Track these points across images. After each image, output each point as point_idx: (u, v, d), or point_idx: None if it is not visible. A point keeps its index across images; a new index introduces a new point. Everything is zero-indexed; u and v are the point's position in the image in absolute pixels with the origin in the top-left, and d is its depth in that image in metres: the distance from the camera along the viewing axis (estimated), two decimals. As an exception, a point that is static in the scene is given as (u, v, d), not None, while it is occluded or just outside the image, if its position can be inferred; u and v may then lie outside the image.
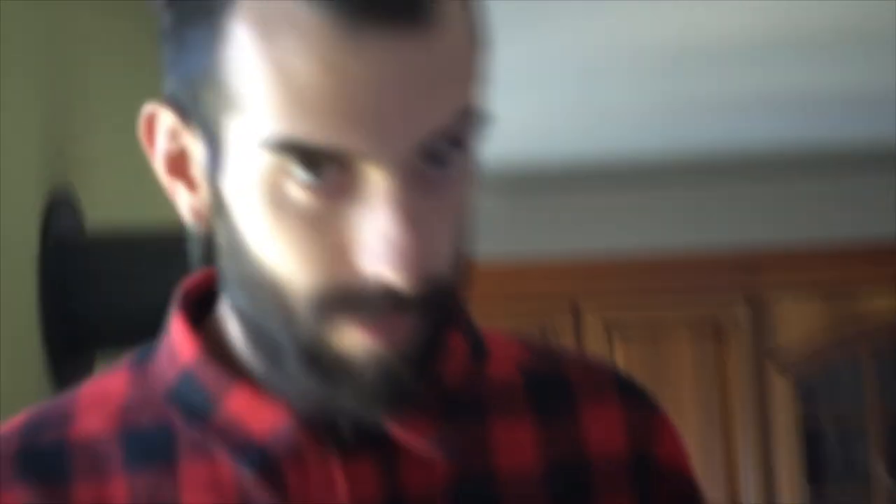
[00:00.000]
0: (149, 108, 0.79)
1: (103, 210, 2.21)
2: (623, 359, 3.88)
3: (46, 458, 0.82)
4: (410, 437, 0.79)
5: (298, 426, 0.79)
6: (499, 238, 4.31)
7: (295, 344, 0.75)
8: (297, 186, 0.72)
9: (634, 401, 0.88)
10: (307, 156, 0.71)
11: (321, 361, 0.74)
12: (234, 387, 0.80)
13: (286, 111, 0.70)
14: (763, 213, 4.20)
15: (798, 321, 3.84)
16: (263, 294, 0.75)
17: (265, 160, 0.72)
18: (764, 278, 3.86)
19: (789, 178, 4.20)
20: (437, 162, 0.73)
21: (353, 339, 0.74)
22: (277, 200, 0.72)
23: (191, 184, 0.78)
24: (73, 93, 2.16)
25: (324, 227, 0.73)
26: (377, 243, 0.71)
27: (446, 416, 0.82)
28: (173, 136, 0.78)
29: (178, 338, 0.83)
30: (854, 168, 4.15)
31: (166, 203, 2.65)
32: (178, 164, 0.79)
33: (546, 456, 0.84)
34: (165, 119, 0.78)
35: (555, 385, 0.87)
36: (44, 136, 1.99)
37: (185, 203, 0.79)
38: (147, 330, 2.01)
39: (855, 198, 4.17)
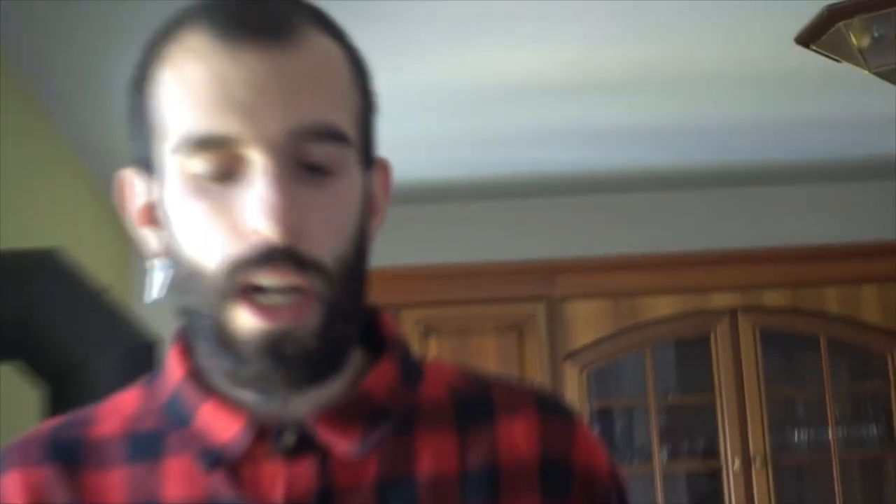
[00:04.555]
0: (119, 175, 0.90)
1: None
2: (437, 351, 3.85)
3: (67, 449, 0.92)
4: (338, 442, 0.87)
5: (251, 432, 0.87)
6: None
7: (210, 327, 0.83)
8: (199, 178, 0.82)
9: (551, 415, 0.93)
10: (202, 147, 0.81)
11: (226, 340, 0.83)
12: (205, 401, 0.89)
13: (185, 114, 0.82)
14: (560, 229, 4.27)
15: (586, 320, 3.91)
16: (192, 284, 0.83)
17: (176, 163, 0.83)
18: (559, 284, 3.91)
19: (580, 197, 4.30)
20: (315, 171, 0.82)
21: (245, 320, 0.82)
22: (187, 193, 0.82)
23: (157, 225, 0.87)
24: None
25: (222, 208, 0.82)
26: (254, 205, 0.80)
27: (374, 426, 0.88)
28: (142, 191, 0.88)
29: (170, 363, 0.92)
30: (632, 189, 4.26)
31: (27, 230, 2.65)
32: (148, 213, 0.88)
33: (463, 461, 0.89)
34: (133, 180, 0.89)
35: (478, 403, 0.93)
36: None
37: (154, 244, 0.88)
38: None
39: (638, 216, 4.29)
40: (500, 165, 3.94)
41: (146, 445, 0.91)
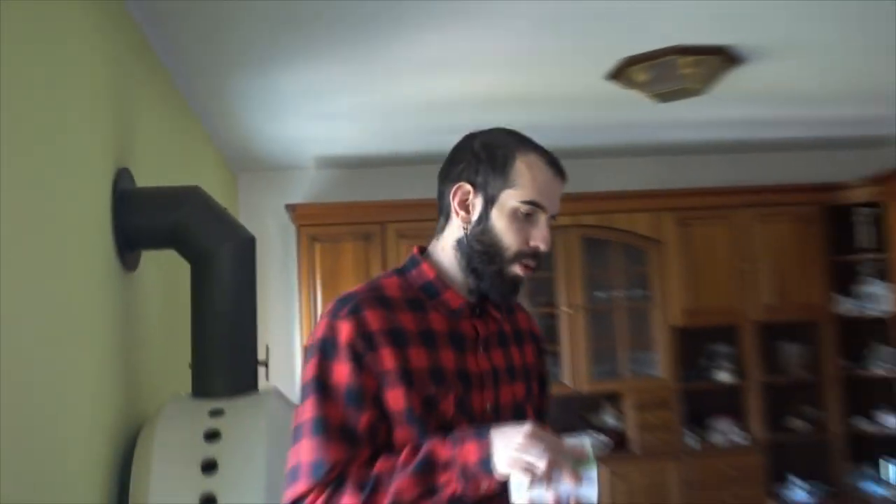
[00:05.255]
0: (460, 184, 1.12)
1: (145, 177, 2.18)
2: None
3: (380, 300, 1.07)
4: (496, 314, 1.14)
5: (467, 305, 1.11)
6: (347, 191, 4.09)
7: (495, 270, 1.09)
8: (523, 213, 1.09)
9: (525, 311, 1.23)
10: (532, 205, 1.09)
11: (501, 278, 1.09)
12: (447, 289, 1.12)
13: (533, 190, 1.09)
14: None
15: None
16: (495, 250, 1.09)
17: (515, 203, 1.09)
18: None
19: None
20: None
21: (517, 271, 1.09)
22: (511, 215, 1.09)
23: (467, 211, 1.11)
24: (132, 112, 2.09)
25: (523, 229, 1.09)
26: (539, 234, 1.09)
27: (500, 310, 1.17)
28: (468, 193, 1.11)
29: (423, 268, 1.12)
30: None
31: (180, 176, 2.62)
32: (465, 203, 1.11)
33: (510, 327, 1.18)
34: (467, 189, 1.11)
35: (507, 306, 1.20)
36: (114, 137, 1.93)
37: (461, 216, 1.11)
38: (165, 239, 1.97)
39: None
40: (446, 146, 3.73)
41: (418, 303, 1.09)
